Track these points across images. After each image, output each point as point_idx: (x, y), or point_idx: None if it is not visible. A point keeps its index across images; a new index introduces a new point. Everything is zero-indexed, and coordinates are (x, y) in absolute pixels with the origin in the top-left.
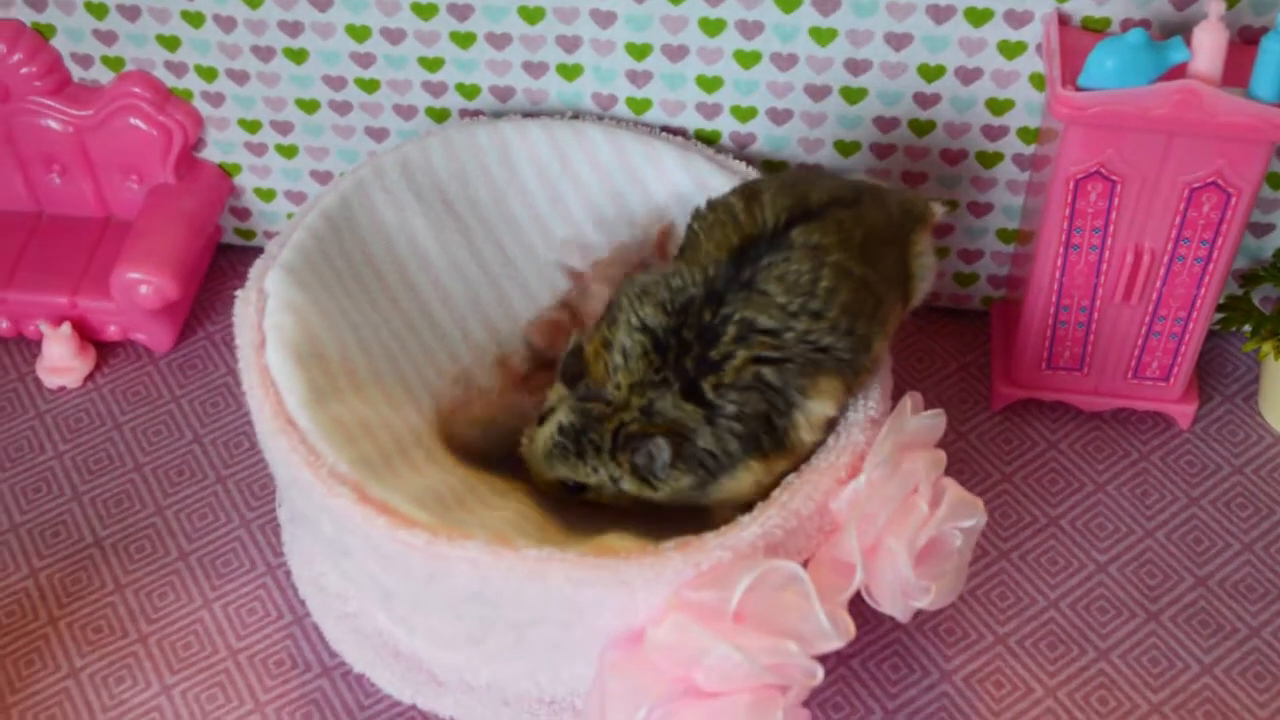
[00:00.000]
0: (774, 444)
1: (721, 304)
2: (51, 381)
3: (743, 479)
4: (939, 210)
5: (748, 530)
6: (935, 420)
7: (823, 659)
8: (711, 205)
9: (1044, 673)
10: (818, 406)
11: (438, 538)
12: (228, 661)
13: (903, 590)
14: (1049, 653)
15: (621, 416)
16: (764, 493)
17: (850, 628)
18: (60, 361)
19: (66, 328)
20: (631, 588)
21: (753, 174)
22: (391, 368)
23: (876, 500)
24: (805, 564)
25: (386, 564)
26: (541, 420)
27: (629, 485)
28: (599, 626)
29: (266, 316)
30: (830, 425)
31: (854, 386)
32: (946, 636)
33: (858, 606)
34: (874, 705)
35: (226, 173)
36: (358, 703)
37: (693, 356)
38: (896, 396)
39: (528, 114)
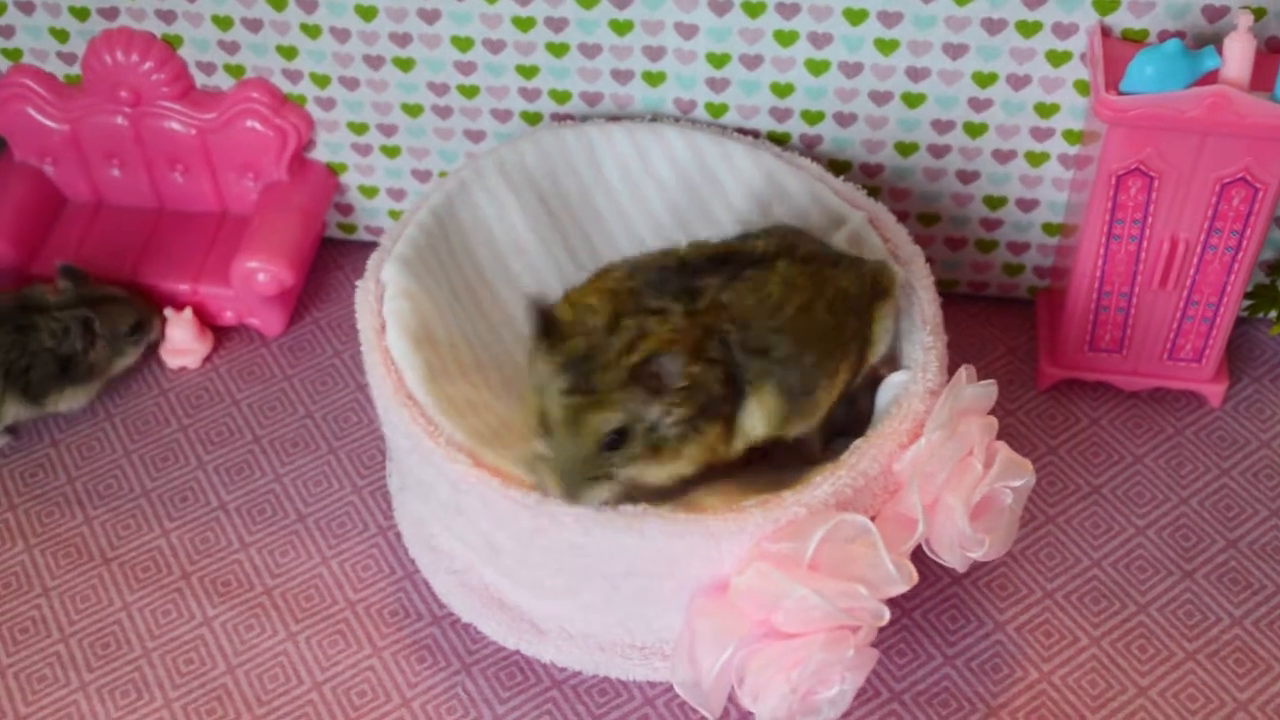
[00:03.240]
0: (728, 423)
1: (698, 277)
2: (173, 362)
3: (709, 437)
4: (903, 278)
5: (820, 489)
6: (988, 389)
7: (888, 606)
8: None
9: (1089, 624)
10: (754, 410)
11: (546, 498)
12: (346, 612)
13: (960, 542)
14: (1093, 606)
15: (615, 342)
16: (679, 487)
17: (913, 574)
18: (182, 344)
19: (188, 313)
20: (718, 540)
21: (817, 168)
22: (490, 357)
23: (935, 461)
24: (872, 520)
25: (498, 522)
26: (541, 421)
27: (654, 413)
28: (688, 577)
29: (385, 303)
30: (744, 451)
31: (790, 419)
32: (999, 591)
33: (918, 564)
34: (934, 652)
35: (333, 171)
36: (466, 648)
37: (676, 299)
38: (952, 371)
39: (612, 118)
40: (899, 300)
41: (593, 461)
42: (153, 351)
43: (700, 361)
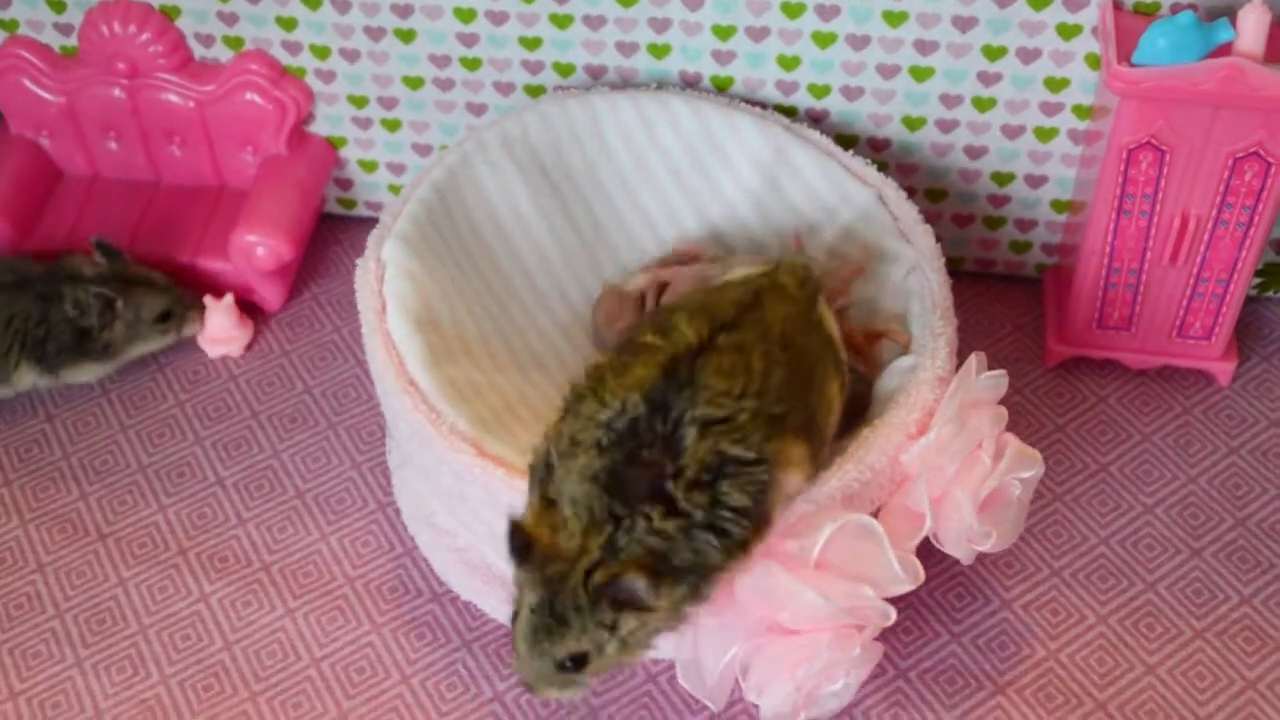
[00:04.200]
0: (754, 528)
1: (669, 409)
2: (214, 351)
3: (728, 577)
4: (815, 266)
5: (828, 484)
6: (998, 379)
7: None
8: (622, 345)
9: (1096, 602)
10: (789, 480)
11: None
12: (345, 588)
13: (967, 536)
14: (1100, 584)
15: (581, 565)
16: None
17: (920, 572)
18: (222, 332)
19: (228, 299)
20: None
21: (826, 142)
22: (496, 333)
23: (944, 455)
24: (877, 513)
25: (502, 512)
26: (514, 620)
27: (629, 625)
28: None
29: (386, 284)
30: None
31: (816, 454)
32: (1006, 569)
33: (924, 543)
34: (941, 630)
35: (333, 145)
36: (466, 625)
37: (653, 470)
38: (959, 355)
39: (616, 87)
40: (867, 271)
41: (553, 675)
42: (188, 341)
43: (673, 574)
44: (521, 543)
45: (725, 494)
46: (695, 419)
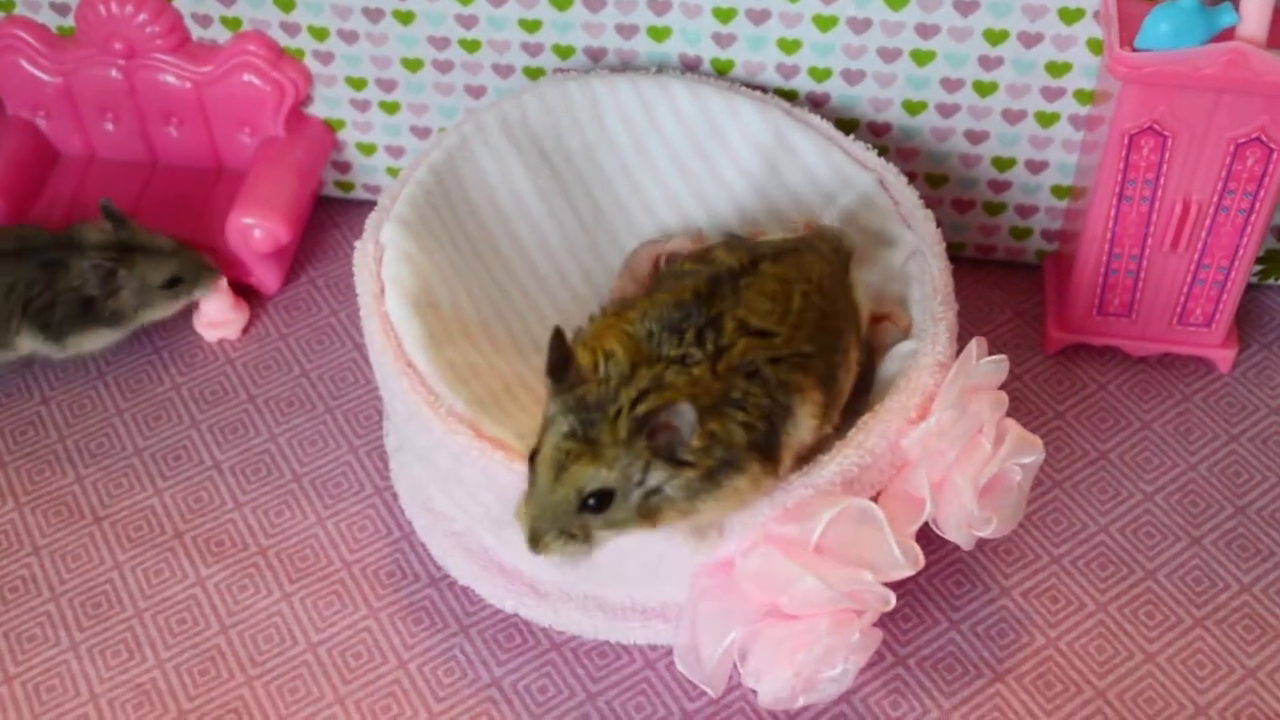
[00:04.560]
0: (767, 455)
1: (713, 305)
2: (211, 335)
3: (742, 483)
4: (852, 238)
5: (827, 469)
6: (998, 364)
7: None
8: (659, 279)
9: (1095, 590)
10: (803, 418)
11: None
12: (342, 572)
13: (967, 521)
14: (1100, 572)
15: (628, 393)
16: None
17: (920, 557)
18: (218, 316)
19: (223, 282)
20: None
21: (827, 126)
22: (495, 315)
23: (945, 440)
24: (877, 497)
25: (500, 494)
26: (533, 458)
27: (657, 477)
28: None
29: (384, 267)
30: (798, 458)
31: (830, 409)
32: (1005, 556)
33: (924, 530)
34: (940, 617)
35: (331, 128)
36: (464, 610)
37: (698, 343)
38: (960, 340)
39: (615, 70)
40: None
41: (568, 516)
42: (185, 325)
43: (721, 417)
44: (561, 356)
45: (755, 396)
46: (736, 317)
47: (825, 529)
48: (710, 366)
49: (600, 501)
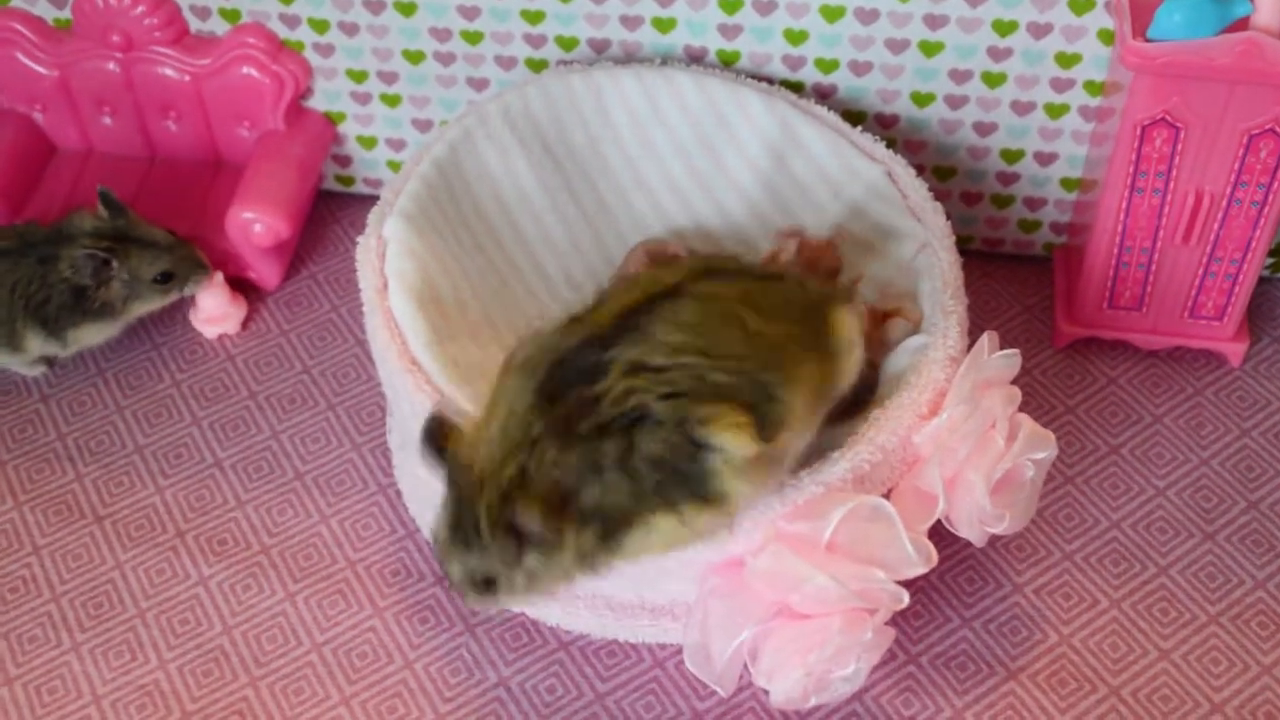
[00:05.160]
0: (689, 494)
1: (607, 349)
2: (210, 331)
3: (652, 535)
4: (861, 297)
5: (838, 466)
6: (1010, 359)
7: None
8: (625, 277)
9: (1109, 586)
10: (734, 444)
11: None
12: (346, 571)
13: (979, 518)
14: (1113, 568)
15: (491, 491)
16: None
17: (933, 554)
18: (216, 311)
19: (219, 276)
20: None
21: (834, 118)
22: (499, 308)
23: (957, 436)
24: (888, 494)
25: None
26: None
27: (533, 562)
28: (701, 551)
29: (387, 262)
30: (760, 475)
31: (769, 434)
32: (1017, 553)
33: (936, 528)
34: (951, 614)
35: (331, 121)
36: (470, 609)
37: (572, 399)
38: (969, 335)
39: (619, 62)
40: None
41: (469, 584)
42: (184, 321)
43: (589, 487)
44: (434, 435)
45: (642, 442)
46: (624, 360)
47: (837, 527)
48: (576, 437)
49: (488, 584)
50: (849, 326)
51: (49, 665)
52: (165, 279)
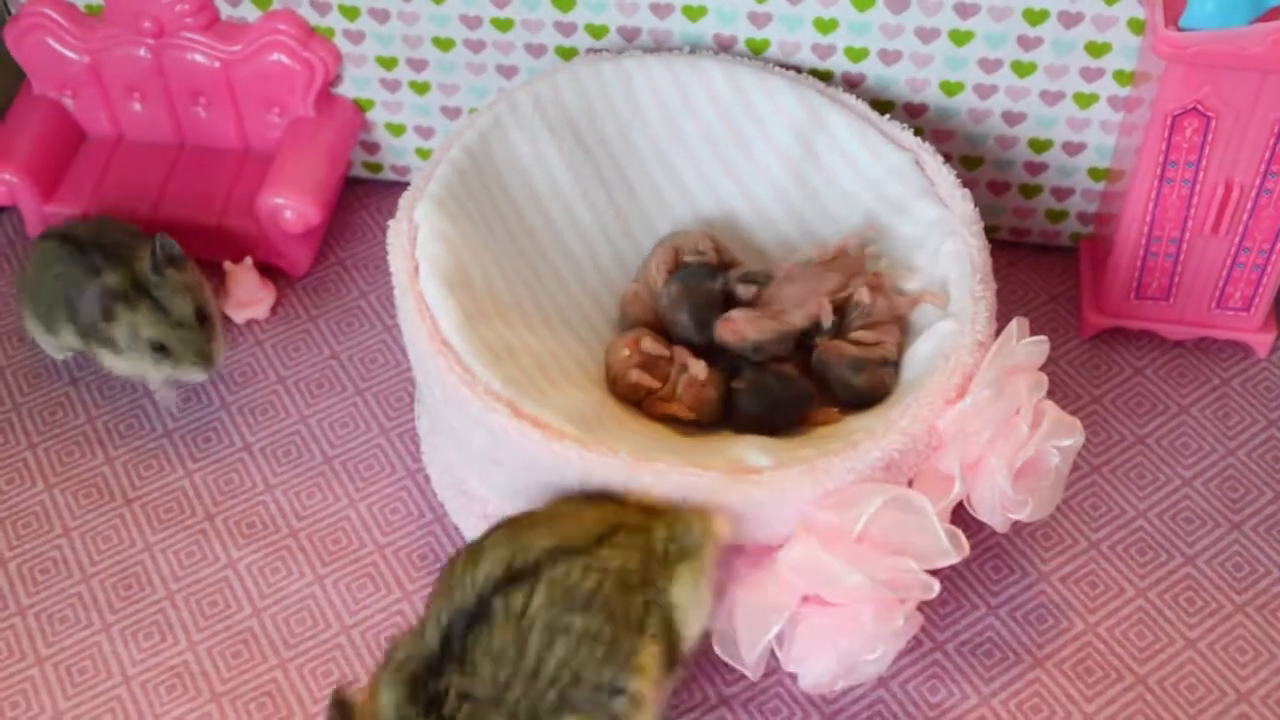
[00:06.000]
0: None
1: (440, 674)
2: (240, 317)
3: None
4: (723, 533)
5: (870, 454)
6: (1039, 345)
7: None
8: (454, 557)
9: (1135, 575)
10: None
11: (588, 451)
12: (375, 555)
13: (1001, 504)
14: (1139, 558)
15: None
16: None
17: (964, 544)
18: (247, 296)
19: (249, 261)
20: (760, 504)
21: (862, 107)
22: (529, 294)
23: (980, 420)
24: (911, 480)
25: (538, 475)
26: None
27: None
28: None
29: (419, 246)
30: None
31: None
32: (1044, 541)
33: (961, 515)
34: (978, 601)
35: (360, 108)
36: None
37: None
38: (997, 322)
39: (649, 50)
40: (714, 552)
41: None
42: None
43: None
44: (337, 713)
45: None
46: (457, 693)
47: (869, 518)
48: None
49: None
50: (689, 583)
51: (79, 646)
52: (158, 349)
